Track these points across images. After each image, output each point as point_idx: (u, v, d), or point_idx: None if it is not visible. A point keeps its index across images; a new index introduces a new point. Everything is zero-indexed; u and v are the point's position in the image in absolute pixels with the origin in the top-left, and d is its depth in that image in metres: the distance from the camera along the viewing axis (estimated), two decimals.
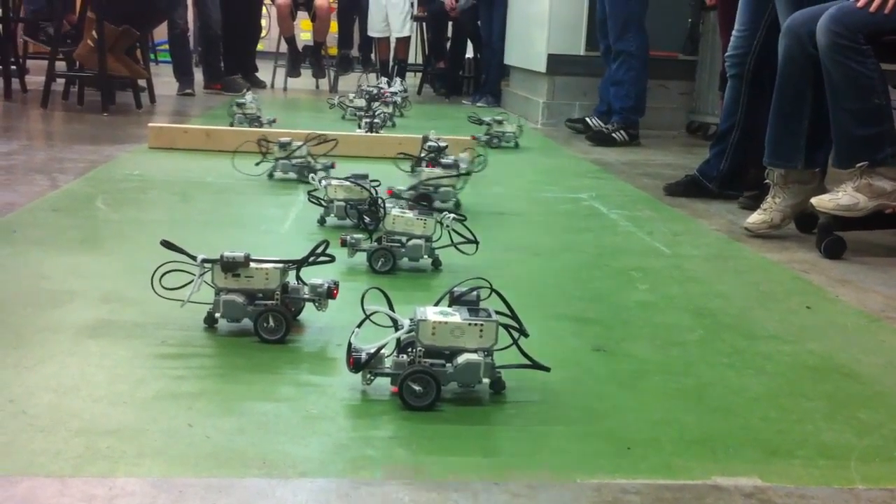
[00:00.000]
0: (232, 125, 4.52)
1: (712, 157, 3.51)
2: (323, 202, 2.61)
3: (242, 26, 7.78)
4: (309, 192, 2.66)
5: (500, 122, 4.76)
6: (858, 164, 2.57)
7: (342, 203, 2.57)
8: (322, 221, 2.63)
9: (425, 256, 2.19)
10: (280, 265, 1.67)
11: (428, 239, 2.18)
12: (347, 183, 2.57)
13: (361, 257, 2.17)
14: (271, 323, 1.63)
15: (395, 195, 2.95)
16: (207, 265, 1.66)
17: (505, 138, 4.73)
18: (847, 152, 2.62)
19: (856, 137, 2.59)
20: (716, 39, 5.08)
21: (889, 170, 2.57)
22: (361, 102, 5.48)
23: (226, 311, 1.66)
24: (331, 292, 1.68)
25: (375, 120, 4.71)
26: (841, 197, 2.58)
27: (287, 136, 3.47)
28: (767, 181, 2.89)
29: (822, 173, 2.96)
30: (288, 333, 1.64)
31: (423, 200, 2.91)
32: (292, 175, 3.32)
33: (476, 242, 2.17)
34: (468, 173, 2.99)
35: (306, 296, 1.69)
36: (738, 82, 3.31)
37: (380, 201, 2.45)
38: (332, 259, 1.74)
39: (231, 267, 1.64)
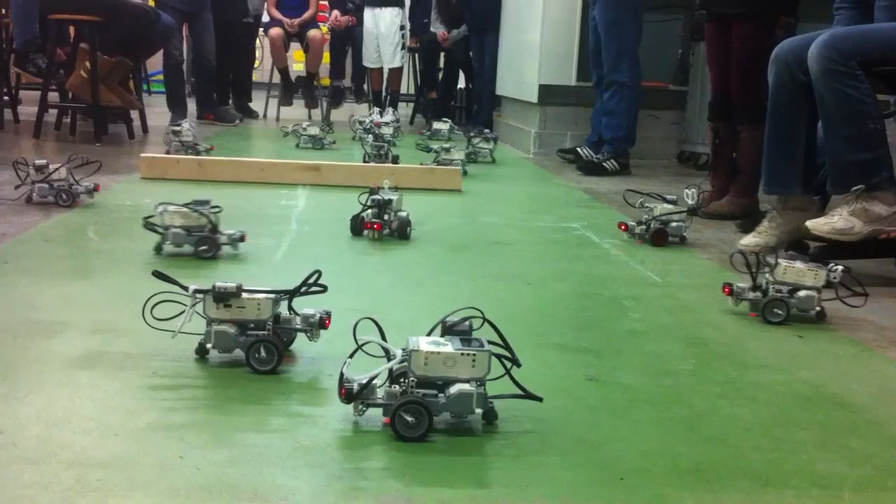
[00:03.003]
0: (168, 153, 4.49)
1: None
2: (159, 229, 2.53)
3: (236, 57, 7.83)
4: (145, 219, 2.56)
5: (447, 150, 4.73)
6: (855, 188, 2.57)
7: (179, 230, 2.50)
8: (158, 249, 2.53)
9: (817, 308, 2.19)
10: (272, 295, 1.67)
11: (819, 290, 2.18)
12: (185, 209, 2.51)
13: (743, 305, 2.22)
14: (263, 353, 1.62)
15: (628, 230, 3.03)
16: (199, 295, 1.66)
17: (453, 165, 4.61)
18: (842, 177, 2.62)
19: (850, 162, 2.59)
20: (706, 70, 5.12)
21: (885, 194, 2.57)
22: (315, 130, 5.50)
23: (217, 341, 1.65)
24: (323, 322, 1.68)
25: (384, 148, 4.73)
26: (836, 221, 2.58)
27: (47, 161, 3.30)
28: (765, 207, 2.88)
29: (823, 202, 2.96)
30: (280, 364, 1.63)
31: (658, 235, 2.98)
32: (51, 199, 3.14)
33: (865, 295, 2.19)
34: (695, 209, 3.07)
35: (298, 326, 1.69)
36: None
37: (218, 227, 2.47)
38: (325, 289, 1.74)
39: (223, 297, 1.64)
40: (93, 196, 3.26)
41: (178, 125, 4.69)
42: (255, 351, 1.62)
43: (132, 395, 1.50)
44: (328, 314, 1.69)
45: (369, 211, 2.91)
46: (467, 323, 1.46)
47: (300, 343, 1.74)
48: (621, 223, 3.09)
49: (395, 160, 4.66)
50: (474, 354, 1.39)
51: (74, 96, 5.56)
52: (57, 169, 3.16)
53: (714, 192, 3.92)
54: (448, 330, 1.45)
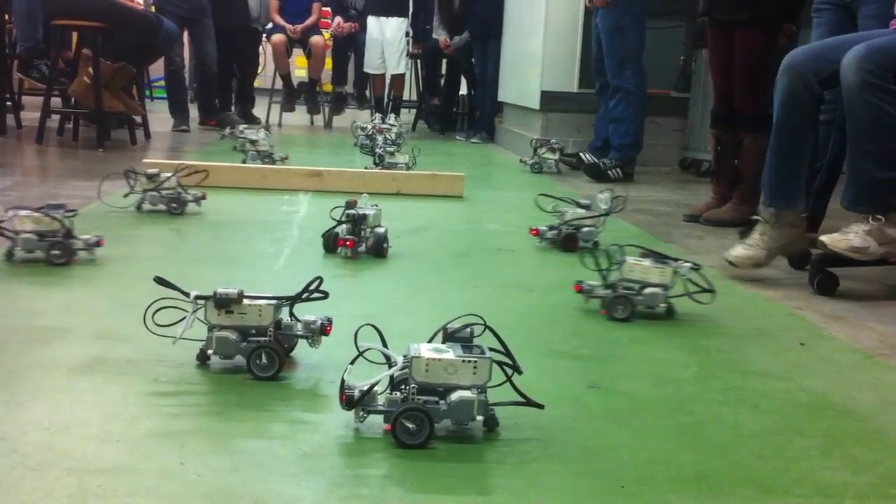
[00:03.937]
0: (244, 162, 4.52)
1: None
2: (9, 234, 2.43)
3: (239, 62, 7.84)
4: None
5: (391, 154, 4.78)
6: (871, 214, 2.53)
7: (30, 235, 2.42)
8: (9, 255, 2.42)
9: (662, 305, 2.20)
10: (273, 302, 1.67)
11: (665, 287, 2.19)
12: (36, 214, 2.44)
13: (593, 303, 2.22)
14: (264, 360, 1.62)
15: (539, 235, 2.97)
16: (200, 302, 1.65)
17: (398, 168, 4.66)
18: (863, 194, 2.54)
19: (875, 180, 2.53)
20: (708, 77, 5.12)
21: None
22: (254, 135, 5.49)
23: (218, 347, 1.65)
24: (324, 329, 1.68)
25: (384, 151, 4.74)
26: (853, 238, 2.52)
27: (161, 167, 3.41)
28: (755, 217, 2.84)
29: (809, 218, 2.92)
30: (281, 370, 1.63)
31: (568, 240, 2.94)
32: (161, 207, 3.23)
33: (713, 291, 2.19)
34: (608, 213, 3.00)
35: (299, 332, 1.69)
36: (827, 128, 3.16)
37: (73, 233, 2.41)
38: (326, 296, 1.74)
39: (224, 303, 1.63)
40: (200, 204, 3.30)
41: (255, 135, 4.74)
42: (256, 357, 1.62)
43: (133, 401, 1.49)
44: (329, 320, 1.69)
45: (343, 227, 2.71)
46: (468, 330, 1.45)
47: (301, 349, 1.74)
48: (532, 228, 3.04)
49: (393, 164, 4.71)
50: (475, 361, 1.39)
51: (77, 102, 5.57)
52: (168, 178, 3.23)
53: (716, 198, 3.91)
54: (449, 337, 1.45)
